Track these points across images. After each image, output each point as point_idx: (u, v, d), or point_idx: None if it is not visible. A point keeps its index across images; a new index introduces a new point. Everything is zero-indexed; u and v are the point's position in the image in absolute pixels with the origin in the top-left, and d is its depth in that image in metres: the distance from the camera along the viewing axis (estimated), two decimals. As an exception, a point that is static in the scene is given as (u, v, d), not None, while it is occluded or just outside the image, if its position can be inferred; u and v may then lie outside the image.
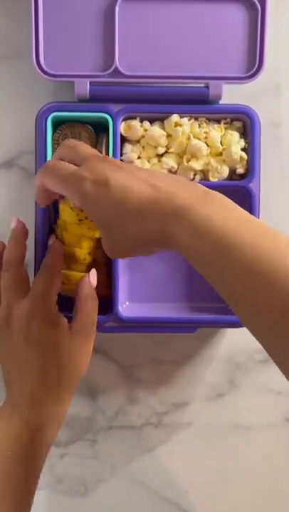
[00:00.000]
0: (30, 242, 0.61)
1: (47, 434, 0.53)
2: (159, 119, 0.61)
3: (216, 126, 0.61)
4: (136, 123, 0.60)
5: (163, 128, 0.61)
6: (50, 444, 0.54)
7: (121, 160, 0.60)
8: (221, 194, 0.45)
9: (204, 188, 0.46)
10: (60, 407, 0.54)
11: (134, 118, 0.61)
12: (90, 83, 0.59)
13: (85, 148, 0.50)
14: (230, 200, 0.45)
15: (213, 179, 0.61)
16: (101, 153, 0.60)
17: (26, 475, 0.51)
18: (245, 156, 0.60)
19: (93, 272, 0.58)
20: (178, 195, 0.44)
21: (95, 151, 0.50)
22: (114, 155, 0.59)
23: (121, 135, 0.60)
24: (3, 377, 0.55)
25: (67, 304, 0.61)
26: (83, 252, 0.59)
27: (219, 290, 0.44)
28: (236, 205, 0.45)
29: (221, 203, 0.44)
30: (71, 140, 0.52)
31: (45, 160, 0.59)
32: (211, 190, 0.46)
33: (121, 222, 0.46)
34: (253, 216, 0.45)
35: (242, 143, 0.61)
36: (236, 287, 0.42)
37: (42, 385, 0.53)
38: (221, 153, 0.61)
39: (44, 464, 0.53)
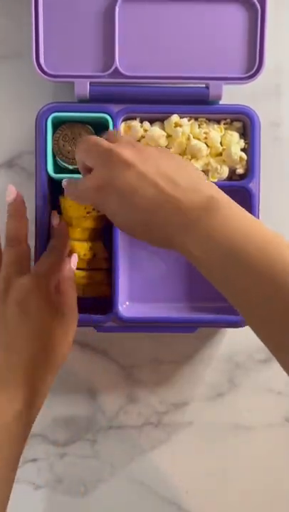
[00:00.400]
0: (31, 242, 0.61)
1: (30, 414, 0.52)
2: (159, 119, 0.61)
3: (215, 126, 0.61)
4: (136, 123, 0.60)
5: (163, 128, 0.61)
6: (32, 422, 0.53)
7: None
8: (227, 199, 0.46)
9: (213, 191, 0.46)
10: (44, 386, 0.53)
11: (134, 118, 0.61)
12: (90, 83, 0.59)
13: (93, 149, 0.49)
14: (236, 204, 0.46)
15: (213, 179, 0.61)
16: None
17: (8, 454, 0.51)
18: (244, 156, 0.61)
19: (74, 256, 0.58)
20: (185, 204, 0.45)
21: (101, 148, 0.49)
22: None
23: (121, 135, 0.60)
24: None
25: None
26: (84, 247, 0.59)
27: (228, 296, 0.45)
28: (242, 211, 0.46)
29: (228, 212, 0.45)
30: (83, 144, 0.51)
31: (46, 160, 0.59)
32: (218, 195, 0.46)
33: (128, 216, 0.47)
34: (257, 221, 0.45)
35: (242, 143, 0.61)
36: (246, 295, 0.44)
37: (30, 365, 0.52)
38: (220, 154, 0.61)
39: (26, 444, 0.52)
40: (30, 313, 0.52)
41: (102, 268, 0.61)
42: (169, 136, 0.60)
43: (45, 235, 0.60)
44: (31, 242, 0.60)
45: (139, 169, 0.47)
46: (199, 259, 0.45)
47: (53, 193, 0.62)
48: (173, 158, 0.50)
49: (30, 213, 0.61)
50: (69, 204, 0.59)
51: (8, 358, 0.52)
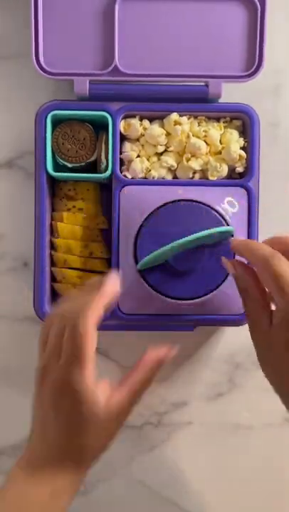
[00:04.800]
0: (30, 241, 0.61)
1: (61, 501, 0.50)
2: (159, 117, 0.61)
3: (215, 124, 0.61)
4: (135, 121, 0.60)
5: (162, 126, 0.61)
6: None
7: (121, 159, 0.61)
8: None
9: None
10: (77, 476, 0.51)
11: (133, 116, 0.61)
12: (90, 81, 0.59)
13: None
14: None
15: (212, 178, 0.61)
16: (100, 151, 0.60)
17: None
18: (244, 154, 0.61)
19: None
20: None
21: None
22: (113, 154, 0.59)
23: (120, 133, 0.61)
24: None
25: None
26: (79, 244, 0.60)
27: None
28: None
29: None
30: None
31: (45, 158, 0.59)
32: None
33: None
34: None
35: (241, 141, 0.61)
36: None
37: (63, 454, 0.49)
38: (220, 152, 0.61)
39: None
40: (63, 412, 0.49)
41: (100, 270, 0.61)
42: (168, 134, 0.61)
43: (45, 234, 0.60)
44: (31, 241, 0.61)
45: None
46: None
47: (52, 192, 0.62)
48: None
49: (30, 213, 0.61)
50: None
51: (44, 445, 0.50)
